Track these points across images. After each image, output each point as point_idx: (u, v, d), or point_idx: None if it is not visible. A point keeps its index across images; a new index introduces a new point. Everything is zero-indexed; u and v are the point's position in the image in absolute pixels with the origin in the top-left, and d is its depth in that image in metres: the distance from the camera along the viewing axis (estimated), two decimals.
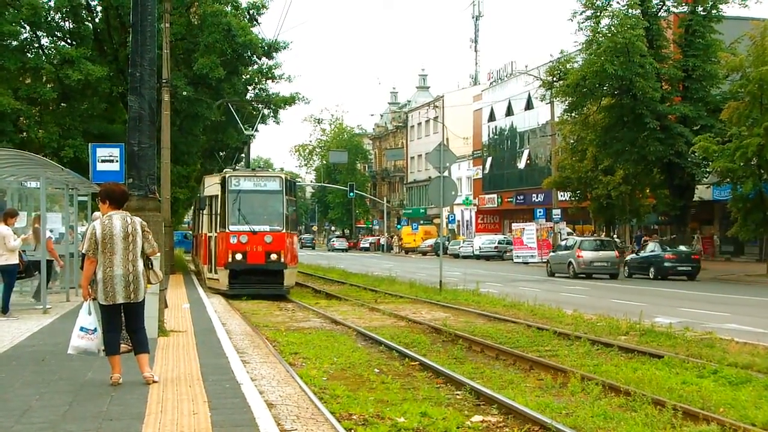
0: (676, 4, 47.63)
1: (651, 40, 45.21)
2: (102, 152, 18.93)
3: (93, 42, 36.96)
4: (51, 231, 20.44)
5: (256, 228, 28.07)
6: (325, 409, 9.84)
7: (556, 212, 59.43)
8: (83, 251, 10.07)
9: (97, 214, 10.13)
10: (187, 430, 7.98)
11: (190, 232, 58.26)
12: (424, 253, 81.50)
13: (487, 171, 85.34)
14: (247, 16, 39.37)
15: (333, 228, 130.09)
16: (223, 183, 28.74)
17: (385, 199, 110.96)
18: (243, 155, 48.07)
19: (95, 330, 9.87)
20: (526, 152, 77.11)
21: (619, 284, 36.85)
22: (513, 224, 71.10)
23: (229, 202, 28.35)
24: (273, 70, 41.27)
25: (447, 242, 73.94)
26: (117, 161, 18.67)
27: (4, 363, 11.75)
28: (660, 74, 45.20)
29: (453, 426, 9.64)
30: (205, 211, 31.50)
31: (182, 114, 37.84)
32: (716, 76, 45.27)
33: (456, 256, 72.94)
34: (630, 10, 44.83)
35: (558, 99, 50.32)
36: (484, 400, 11.14)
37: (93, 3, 37.73)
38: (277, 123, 45.59)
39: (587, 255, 41.37)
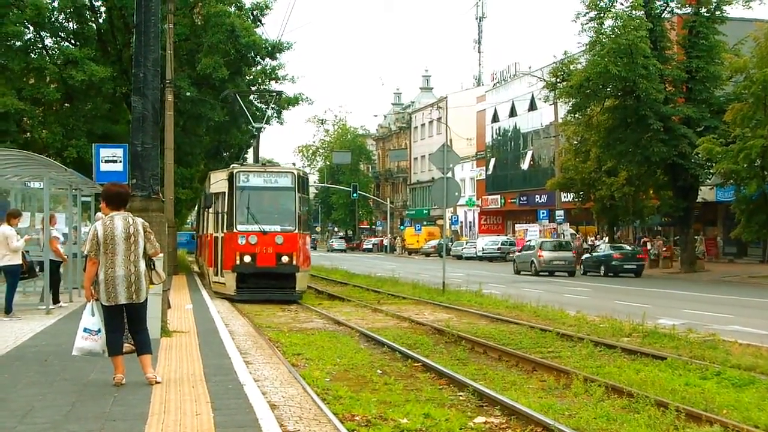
0: (679, 5, 47.63)
1: (654, 41, 45.21)
2: (105, 153, 18.96)
3: (97, 42, 37.03)
4: (56, 230, 20.38)
5: (267, 228, 26.15)
6: (328, 410, 9.84)
7: (560, 213, 59.42)
8: (85, 252, 10.08)
9: (99, 214, 10.13)
10: (190, 430, 7.97)
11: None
12: (428, 254, 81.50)
13: (490, 172, 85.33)
14: (251, 17, 39.44)
15: (336, 229, 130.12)
16: (231, 179, 26.69)
17: (388, 200, 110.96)
18: (246, 156, 47.88)
19: (99, 331, 9.87)
20: (529, 153, 77.11)
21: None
22: (516, 225, 71.22)
23: (237, 199, 26.44)
24: (276, 71, 41.31)
25: (450, 243, 73.94)
26: (120, 162, 18.70)
27: (7, 363, 11.75)
28: (663, 75, 45.23)
29: (456, 427, 9.63)
30: (210, 210, 29.13)
31: (186, 114, 37.86)
32: (720, 77, 45.28)
33: (459, 257, 72.92)
34: (633, 12, 44.87)
35: (561, 100, 50.31)
36: (487, 401, 11.13)
37: (97, 3, 37.80)
38: (281, 123, 45.65)
39: (547, 255, 45.70)
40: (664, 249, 53.46)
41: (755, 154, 37.67)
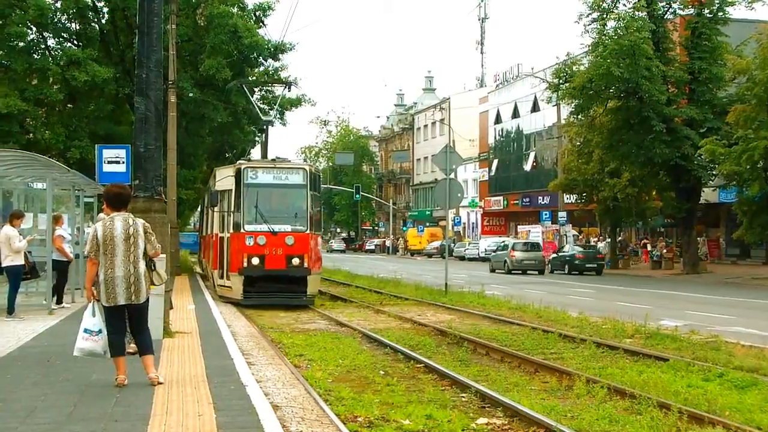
0: (682, 6, 47.64)
1: (657, 42, 45.23)
2: (108, 153, 18.96)
3: (99, 43, 37.07)
4: (62, 230, 20.38)
5: (276, 228, 24.62)
6: (331, 411, 9.84)
7: (562, 215, 59.41)
8: (86, 253, 10.11)
9: (101, 215, 10.13)
10: (192, 431, 7.98)
11: None
12: (430, 255, 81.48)
13: (493, 173, 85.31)
14: (254, 18, 39.43)
15: (339, 230, 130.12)
16: (238, 175, 25.11)
17: (390, 201, 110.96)
18: (250, 156, 47.74)
19: (100, 332, 9.87)
20: (532, 154, 77.10)
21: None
22: (519, 226, 71.18)
23: (245, 197, 24.88)
24: (279, 72, 41.31)
25: (453, 244, 73.93)
26: (123, 162, 18.69)
27: (9, 364, 11.77)
28: (666, 77, 45.22)
29: (458, 428, 9.63)
30: (216, 209, 27.43)
31: (188, 115, 37.87)
32: (722, 78, 45.27)
33: (462, 258, 72.93)
34: (636, 13, 44.93)
35: (564, 101, 50.29)
36: (489, 402, 11.13)
37: (99, 4, 37.84)
38: (284, 125, 45.66)
39: (518, 255, 50.04)
40: (665, 250, 53.53)
41: (758, 155, 37.66)
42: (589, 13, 46.44)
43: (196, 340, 14.67)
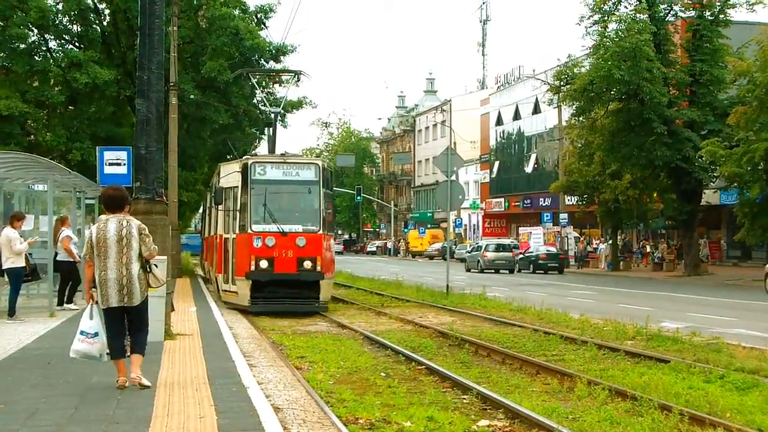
0: (683, 8, 47.70)
1: (658, 44, 45.25)
2: (109, 155, 18.97)
3: (101, 45, 37.05)
4: (69, 230, 20.39)
5: (286, 228, 22.90)
6: (332, 413, 9.84)
7: (563, 216, 59.43)
8: (82, 255, 10.11)
9: (102, 217, 10.12)
10: None
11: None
12: (431, 257, 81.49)
13: (494, 175, 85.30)
14: (255, 20, 39.41)
15: (340, 232, 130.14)
16: (245, 171, 23.34)
17: (392, 202, 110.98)
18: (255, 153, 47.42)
19: (96, 334, 9.83)
20: (533, 156, 77.10)
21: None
22: (520, 228, 71.15)
23: (253, 195, 23.10)
24: (280, 74, 41.24)
25: (454, 246, 73.92)
26: (124, 164, 18.69)
27: (11, 366, 11.78)
28: (667, 79, 45.24)
29: (459, 430, 9.63)
30: (220, 207, 25.37)
31: (189, 117, 37.85)
32: (723, 80, 45.31)
33: (463, 260, 72.88)
34: (637, 15, 44.95)
35: (565, 103, 50.33)
36: (491, 404, 11.13)
37: (101, 6, 37.85)
38: (285, 127, 45.60)
39: (490, 255, 53.87)
40: (667, 252, 53.56)
41: (759, 157, 37.64)
42: (591, 16, 46.52)
43: (197, 342, 14.67)
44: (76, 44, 37.35)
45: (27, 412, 8.73)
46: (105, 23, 38.18)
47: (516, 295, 28.90)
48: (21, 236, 17.68)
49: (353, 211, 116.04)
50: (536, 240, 61.78)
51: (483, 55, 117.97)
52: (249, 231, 22.85)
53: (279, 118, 41.80)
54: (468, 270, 54.35)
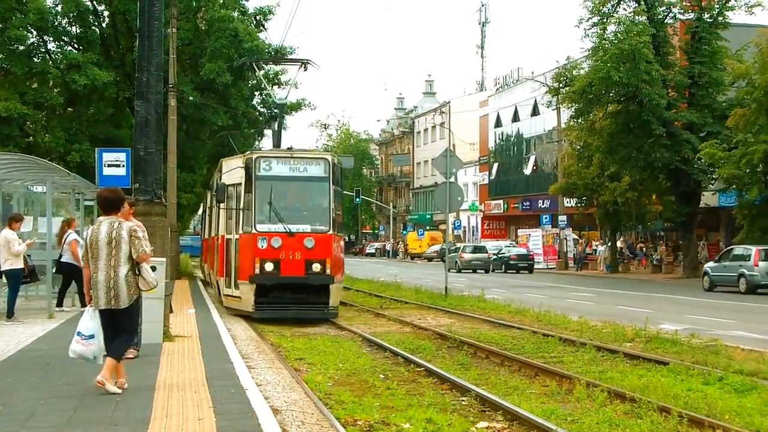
0: (682, 11, 47.74)
1: (657, 46, 45.28)
2: (108, 157, 19.00)
3: (100, 47, 37.07)
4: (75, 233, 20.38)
5: (294, 228, 21.31)
6: (331, 415, 9.83)
7: (562, 218, 59.45)
8: (81, 257, 10.13)
9: (98, 219, 10.12)
10: None
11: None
12: (430, 259, 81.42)
13: (493, 177, 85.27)
14: (254, 22, 39.44)
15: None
16: (249, 167, 21.71)
17: (391, 204, 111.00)
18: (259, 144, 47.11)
19: (91, 336, 9.79)
20: (532, 158, 77.09)
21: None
22: (519, 230, 71.17)
23: (257, 192, 21.53)
24: (279, 76, 41.30)
25: (453, 248, 73.94)
26: (123, 166, 18.73)
27: (9, 367, 11.77)
28: (666, 81, 45.29)
29: None
30: (222, 206, 23.56)
31: (189, 119, 37.88)
32: (722, 82, 45.35)
33: None
34: (636, 17, 44.98)
35: (564, 105, 50.35)
36: (490, 406, 11.13)
37: (100, 8, 37.85)
38: (284, 129, 45.56)
39: (467, 256, 58.48)
40: (665, 253, 53.55)
41: (757, 159, 37.67)
42: (590, 18, 46.57)
43: (196, 344, 14.66)
44: (75, 46, 37.37)
45: (26, 414, 8.72)
46: (104, 25, 38.19)
47: (514, 297, 28.89)
48: (19, 238, 17.69)
49: (352, 212, 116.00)
50: (535, 242, 61.84)
51: (482, 57, 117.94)
52: (253, 231, 21.27)
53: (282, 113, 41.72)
54: (448, 270, 55.38)
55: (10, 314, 17.33)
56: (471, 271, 56.91)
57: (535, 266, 60.11)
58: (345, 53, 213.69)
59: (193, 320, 19.03)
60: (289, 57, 35.73)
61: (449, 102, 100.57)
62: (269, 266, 21.05)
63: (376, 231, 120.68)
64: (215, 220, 26.76)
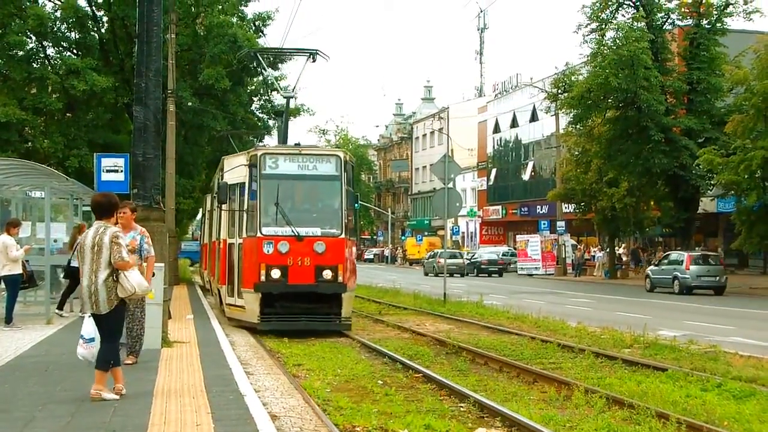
0: (681, 17, 47.81)
1: (656, 52, 45.33)
2: (107, 162, 19.01)
3: (99, 52, 37.03)
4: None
5: (303, 231, 19.56)
6: (329, 421, 9.83)
7: (561, 224, 59.44)
8: None
9: (97, 224, 10.10)
10: None
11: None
12: None
13: (491, 182, 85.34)
14: (253, 27, 39.44)
15: None
16: (254, 164, 19.95)
17: (389, 210, 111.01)
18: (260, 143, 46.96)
19: (92, 340, 9.81)
20: (530, 164, 77.16)
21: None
22: (517, 236, 71.10)
23: (263, 192, 19.78)
24: (278, 82, 41.31)
25: (431, 254, 73.87)
26: (122, 171, 18.74)
27: (7, 373, 11.76)
28: (665, 87, 45.34)
29: None
30: (224, 207, 21.80)
31: (187, 125, 37.87)
32: (721, 89, 45.35)
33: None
34: (635, 23, 44.98)
35: (563, 111, 50.38)
36: (488, 412, 11.11)
37: (99, 13, 37.81)
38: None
39: (443, 261, 59.52)
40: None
41: (756, 165, 37.67)
42: (588, 24, 46.66)
43: (194, 350, 14.66)
44: (74, 51, 37.33)
45: (24, 420, 8.71)
46: (103, 30, 38.15)
47: (513, 303, 28.91)
48: (17, 243, 17.69)
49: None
50: (533, 248, 61.85)
51: (481, 63, 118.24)
52: (258, 235, 19.52)
53: (276, 126, 41.76)
54: (426, 274, 61.66)
55: (8, 320, 17.32)
56: (449, 275, 57.20)
57: (534, 272, 60.42)
58: (344, 58, 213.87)
59: (192, 326, 19.02)
60: (297, 48, 33.78)
61: (448, 108, 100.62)
62: (276, 273, 19.40)
63: (375, 236, 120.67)
64: (216, 223, 25.41)
